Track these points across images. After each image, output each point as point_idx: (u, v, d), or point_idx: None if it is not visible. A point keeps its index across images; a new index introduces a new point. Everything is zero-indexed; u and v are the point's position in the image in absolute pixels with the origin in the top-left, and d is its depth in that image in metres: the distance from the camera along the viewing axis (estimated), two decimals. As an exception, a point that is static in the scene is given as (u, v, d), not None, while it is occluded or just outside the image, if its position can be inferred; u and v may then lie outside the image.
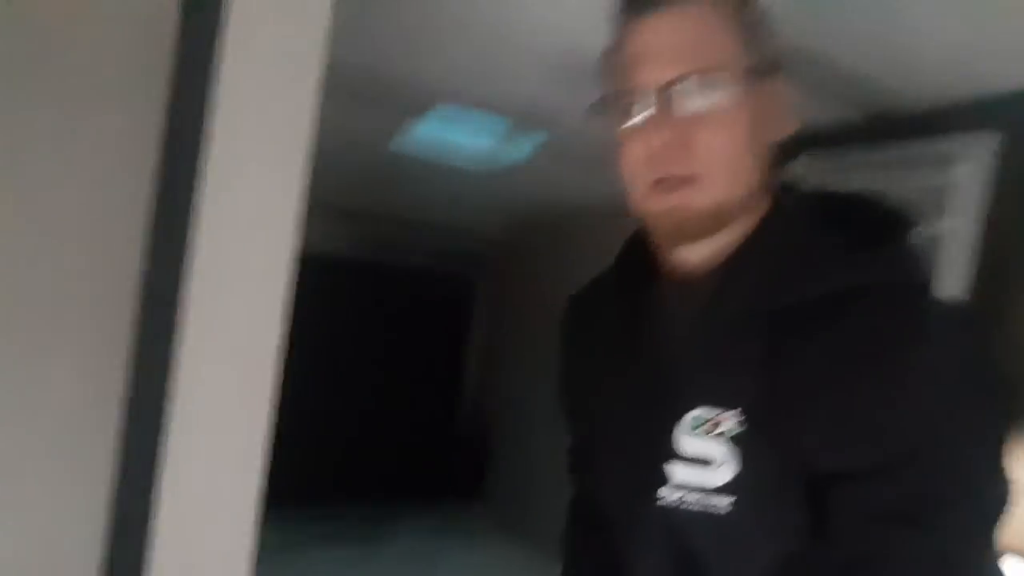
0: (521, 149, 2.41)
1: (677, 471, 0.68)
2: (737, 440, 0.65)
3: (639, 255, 0.79)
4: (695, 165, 0.65)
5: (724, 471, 0.65)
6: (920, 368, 0.60)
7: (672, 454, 0.68)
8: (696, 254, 0.71)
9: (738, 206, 0.68)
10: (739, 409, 0.65)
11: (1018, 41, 1.23)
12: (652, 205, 0.68)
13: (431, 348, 3.60)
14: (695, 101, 0.65)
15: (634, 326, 0.77)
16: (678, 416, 0.68)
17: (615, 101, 0.69)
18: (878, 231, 0.67)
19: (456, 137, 2.59)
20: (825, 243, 0.67)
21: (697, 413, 0.67)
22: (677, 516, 0.67)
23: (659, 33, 0.66)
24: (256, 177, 0.75)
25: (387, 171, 2.78)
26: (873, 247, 0.66)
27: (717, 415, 0.66)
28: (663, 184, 0.67)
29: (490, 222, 3.60)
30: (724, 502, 0.65)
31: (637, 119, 0.67)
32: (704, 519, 0.66)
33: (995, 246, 1.29)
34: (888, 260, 0.66)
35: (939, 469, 0.59)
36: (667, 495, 0.68)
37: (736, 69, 0.65)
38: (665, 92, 0.65)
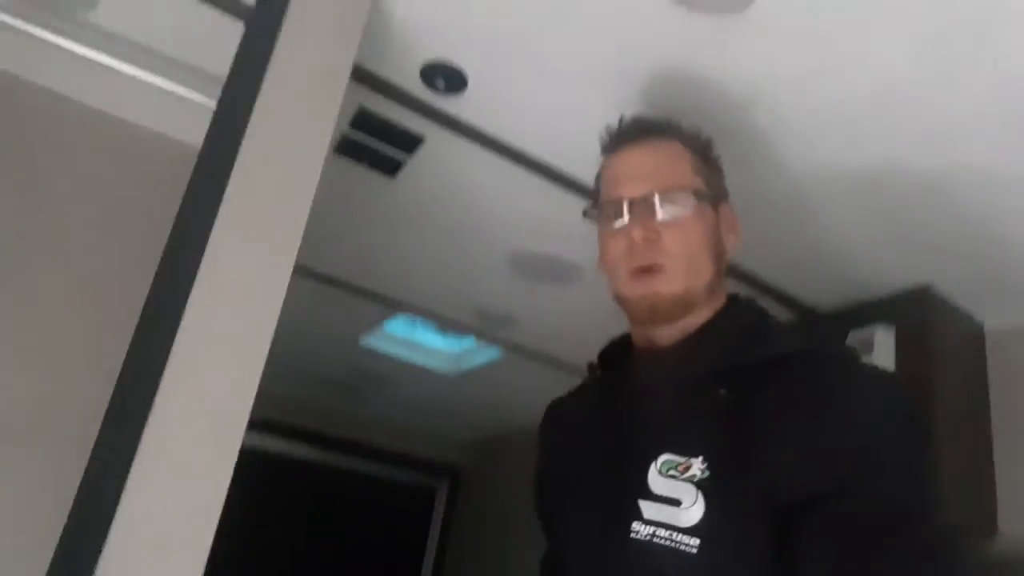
0: (486, 354, 2.56)
1: (648, 508, 0.76)
2: (701, 485, 0.74)
3: (616, 347, 0.96)
4: (662, 257, 0.85)
5: (692, 513, 0.73)
6: (861, 400, 0.73)
7: (645, 492, 0.77)
8: (666, 335, 0.87)
9: (699, 295, 0.86)
10: (701, 457, 0.75)
11: (902, 248, 1.49)
12: (631, 291, 0.87)
13: (387, 556, 3.45)
14: (660, 210, 0.86)
15: (610, 398, 0.92)
16: (650, 460, 0.78)
17: (602, 210, 0.92)
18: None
19: (423, 338, 2.77)
20: (773, 322, 0.86)
21: (667, 457, 0.77)
22: (649, 552, 0.74)
23: (632, 160, 0.92)
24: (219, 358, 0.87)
25: (355, 368, 2.89)
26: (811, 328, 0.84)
27: (685, 461, 0.76)
28: (640, 272, 0.86)
29: (454, 430, 3.66)
30: (693, 542, 0.72)
31: (618, 223, 0.88)
32: (675, 556, 0.72)
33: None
34: (824, 335, 0.83)
35: (889, 490, 0.69)
36: (640, 530, 0.75)
37: (690, 190, 0.88)
38: (638, 203, 0.87)
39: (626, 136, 0.95)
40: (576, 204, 1.48)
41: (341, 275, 2.06)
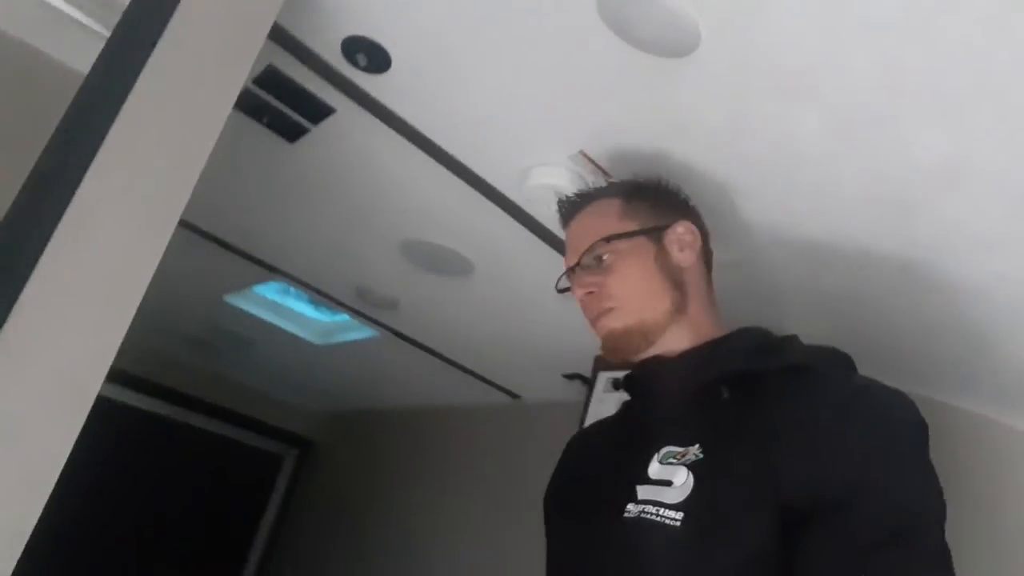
0: (360, 332, 2.49)
1: (642, 490, 0.81)
2: (694, 467, 0.78)
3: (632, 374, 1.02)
4: (608, 301, 0.95)
5: (680, 491, 0.77)
6: (869, 409, 0.76)
7: (643, 479, 0.82)
8: (660, 350, 0.94)
9: (660, 320, 0.93)
10: (698, 445, 0.79)
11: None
12: (598, 335, 0.98)
13: (226, 519, 3.31)
14: (595, 264, 0.97)
15: (625, 413, 1.02)
16: (653, 453, 0.83)
17: (568, 279, 1.04)
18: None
19: (294, 304, 2.66)
20: (783, 338, 0.90)
21: (668, 449, 0.82)
22: (637, 528, 0.79)
23: (570, 233, 1.07)
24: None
25: (217, 327, 2.73)
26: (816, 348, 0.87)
27: (683, 449, 0.80)
28: (594, 322, 0.98)
29: (312, 401, 3.54)
30: (677, 516, 0.75)
31: (571, 289, 1.01)
32: (659, 529, 0.76)
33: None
34: (830, 351, 0.87)
35: (894, 500, 0.70)
36: (631, 509, 0.81)
37: (614, 236, 0.97)
38: (577, 265, 0.99)
39: (566, 213, 1.09)
40: (483, 205, 1.46)
41: (219, 232, 1.92)
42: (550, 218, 1.46)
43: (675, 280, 0.97)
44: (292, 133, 1.41)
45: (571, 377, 2.24)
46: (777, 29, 0.82)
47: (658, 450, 0.84)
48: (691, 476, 0.78)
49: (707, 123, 1.04)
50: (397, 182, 1.50)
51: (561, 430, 2.27)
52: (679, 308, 0.95)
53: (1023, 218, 0.92)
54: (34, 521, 0.70)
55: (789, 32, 0.82)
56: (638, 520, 0.79)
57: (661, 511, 0.77)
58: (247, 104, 1.33)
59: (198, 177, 0.84)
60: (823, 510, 0.70)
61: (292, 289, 2.40)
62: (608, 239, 0.97)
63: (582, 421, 1.92)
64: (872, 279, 1.22)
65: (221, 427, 3.27)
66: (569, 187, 1.30)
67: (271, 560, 3.38)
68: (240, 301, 2.48)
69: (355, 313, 2.25)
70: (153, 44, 0.84)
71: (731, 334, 0.95)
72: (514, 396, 2.61)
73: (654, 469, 0.82)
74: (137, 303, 0.78)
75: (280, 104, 1.33)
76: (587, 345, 2.00)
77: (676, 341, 0.94)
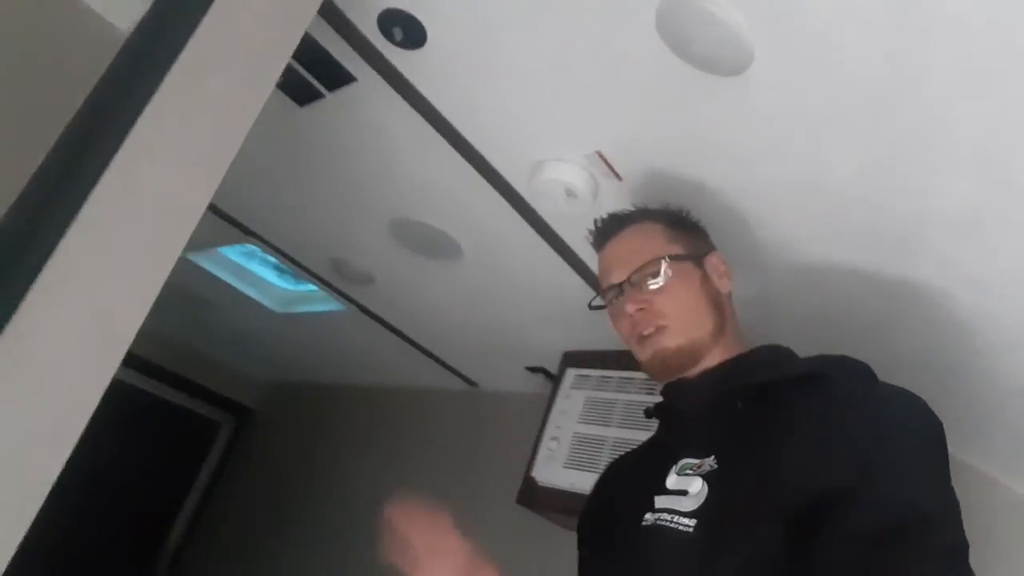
0: (327, 304, 2.45)
1: (660, 500, 0.86)
2: (709, 477, 0.81)
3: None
4: (660, 319, 0.98)
5: (695, 499, 0.81)
6: (876, 408, 0.78)
7: (661, 490, 0.87)
8: (701, 369, 0.97)
9: (704, 343, 0.97)
10: (713, 456, 0.83)
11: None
12: (643, 354, 1.00)
13: (158, 481, 3.20)
14: (644, 283, 1.00)
15: (655, 436, 1.07)
16: (671, 465, 0.88)
17: (604, 299, 1.07)
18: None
19: (257, 269, 2.59)
20: (794, 356, 0.94)
21: (685, 461, 0.86)
22: (653, 533, 0.83)
23: (614, 251, 1.08)
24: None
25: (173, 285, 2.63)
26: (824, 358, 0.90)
27: (700, 461, 0.84)
28: (644, 339, 0.98)
29: (259, 370, 3.46)
30: (691, 523, 0.79)
31: (616, 305, 1.03)
32: (673, 536, 0.80)
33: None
34: (845, 359, 0.88)
35: (902, 491, 0.69)
36: (649, 518, 0.85)
37: (665, 257, 1.00)
38: (625, 284, 1.01)
39: (604, 233, 1.10)
40: (487, 193, 1.46)
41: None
42: (552, 213, 1.49)
43: (716, 304, 1.02)
44: (304, 96, 1.39)
45: (534, 370, 2.27)
46: (836, 68, 0.86)
47: (676, 462, 0.88)
48: (705, 485, 0.82)
49: (736, 145, 1.08)
50: (402, 160, 1.49)
51: (517, 420, 2.32)
52: (720, 330, 0.99)
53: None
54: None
55: (848, 71, 0.86)
56: (654, 527, 0.83)
57: (675, 518, 0.81)
58: (264, 61, 1.30)
59: (236, 152, 0.83)
60: (828, 502, 0.70)
61: (259, 253, 2.35)
62: (666, 258, 1.01)
63: (546, 415, 1.95)
64: (877, 309, 1.29)
65: (158, 388, 3.16)
66: (580, 185, 1.33)
67: (197, 529, 3.30)
68: (203, 260, 2.40)
69: (325, 285, 2.22)
70: (203, 11, 0.82)
71: (751, 351, 1.00)
72: (471, 383, 2.62)
73: (672, 480, 0.87)
74: (163, 277, 0.76)
75: (299, 66, 1.30)
76: (555, 340, 2.05)
77: (711, 363, 0.98)
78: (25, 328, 0.67)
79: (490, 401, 2.60)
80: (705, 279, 1.03)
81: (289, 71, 1.32)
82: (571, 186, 1.34)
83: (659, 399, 1.07)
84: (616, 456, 1.19)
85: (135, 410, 3.12)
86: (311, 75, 1.32)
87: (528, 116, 1.24)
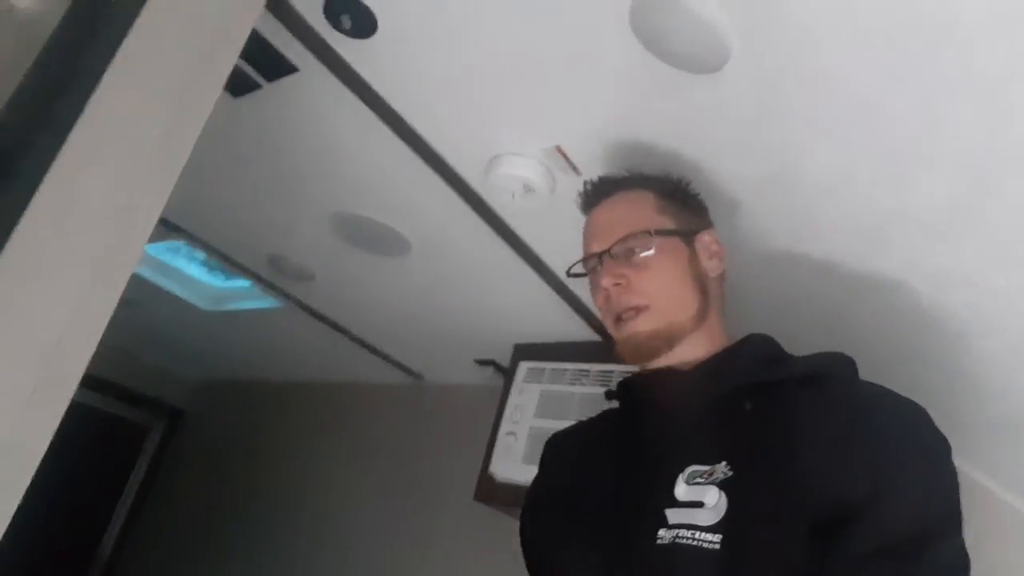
0: (261, 301, 2.33)
1: (673, 515, 0.77)
2: (724, 485, 0.75)
3: (627, 382, 0.98)
4: (637, 298, 0.91)
5: (714, 512, 0.74)
6: (888, 418, 0.76)
7: (671, 502, 0.78)
8: (675, 360, 0.90)
9: (684, 327, 0.90)
10: (725, 462, 0.76)
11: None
12: (617, 335, 0.93)
13: (84, 492, 3.00)
14: (625, 255, 0.93)
15: (626, 423, 0.95)
16: (677, 474, 0.79)
17: (584, 264, 1.00)
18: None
19: (182, 265, 2.44)
20: (786, 353, 0.90)
21: (693, 468, 0.78)
22: (673, 554, 0.75)
23: (599, 216, 1.00)
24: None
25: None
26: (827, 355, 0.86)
27: (710, 468, 0.77)
28: (619, 320, 0.92)
29: (187, 368, 3.29)
30: (716, 539, 0.72)
31: (593, 275, 0.97)
32: (697, 554, 0.72)
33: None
34: (838, 356, 0.85)
35: (914, 506, 0.69)
36: (664, 535, 0.76)
37: (651, 231, 0.93)
38: (605, 255, 0.94)
39: (593, 196, 1.04)
40: (440, 188, 1.40)
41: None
42: (507, 208, 1.44)
43: (702, 286, 0.94)
44: (240, 87, 1.28)
45: (484, 363, 2.23)
46: (816, 68, 0.84)
47: (682, 470, 0.80)
48: (723, 496, 0.75)
49: (705, 141, 1.05)
50: (347, 154, 1.41)
51: (467, 413, 2.27)
52: (702, 315, 0.92)
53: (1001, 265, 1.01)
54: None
55: (829, 72, 0.84)
56: (674, 547, 0.75)
57: (697, 534, 0.74)
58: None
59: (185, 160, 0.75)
60: (842, 519, 0.69)
61: (184, 248, 2.20)
62: (652, 232, 0.93)
63: (500, 410, 1.91)
64: (838, 300, 1.30)
65: (79, 393, 2.94)
66: (537, 181, 1.28)
67: (131, 537, 3.13)
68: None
69: (261, 282, 2.10)
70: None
71: (742, 341, 0.93)
72: (416, 376, 2.56)
73: (681, 491, 0.79)
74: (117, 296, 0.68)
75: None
76: (506, 333, 2.01)
77: (691, 350, 0.91)
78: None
79: (437, 394, 2.54)
80: (693, 258, 0.95)
81: (222, 60, 1.21)
82: (528, 181, 1.29)
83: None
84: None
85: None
86: (248, 65, 1.22)
87: (485, 108, 1.18)
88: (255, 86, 1.27)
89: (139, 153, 0.74)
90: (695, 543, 0.74)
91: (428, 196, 1.45)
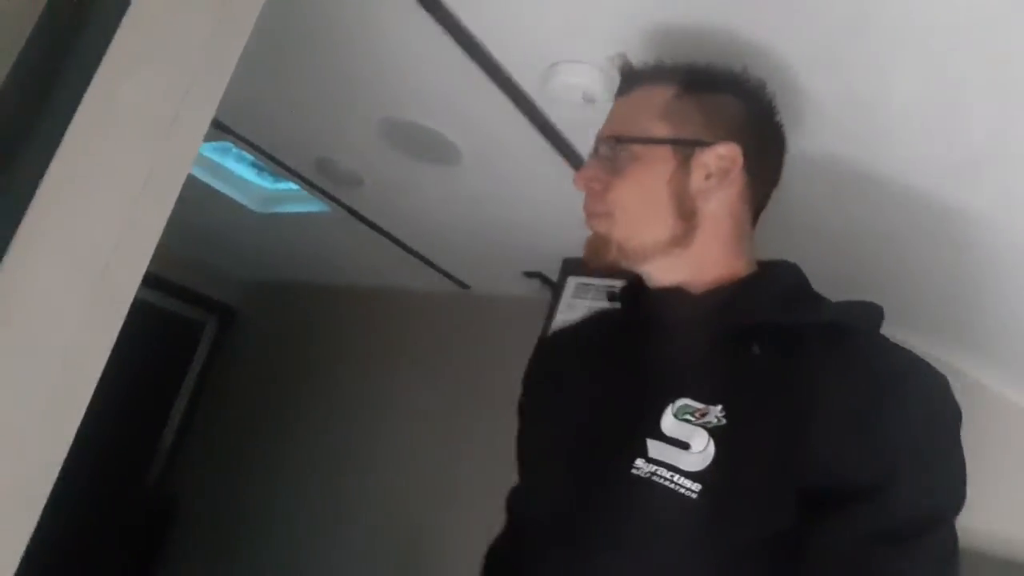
0: (310, 205, 2.32)
1: (655, 447, 0.73)
2: (715, 432, 0.70)
3: (632, 286, 0.92)
4: (603, 205, 0.85)
5: (700, 458, 0.70)
6: (912, 396, 0.71)
7: (655, 432, 0.74)
8: (671, 276, 0.85)
9: (657, 241, 0.83)
10: (721, 406, 0.72)
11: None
12: (588, 230, 0.87)
13: (142, 386, 3.13)
14: (606, 157, 0.86)
15: (626, 332, 0.89)
16: (667, 403, 0.74)
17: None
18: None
19: (233, 166, 2.43)
20: (813, 291, 0.83)
21: (685, 402, 0.73)
22: (646, 490, 0.71)
23: (615, 107, 0.93)
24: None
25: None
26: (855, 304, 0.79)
27: (703, 407, 0.72)
28: (588, 217, 0.87)
29: (240, 269, 3.34)
30: (694, 487, 0.69)
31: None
32: (671, 498, 0.69)
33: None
34: (867, 307, 0.78)
35: (926, 491, 0.67)
36: (641, 467, 0.72)
37: (640, 137, 0.85)
38: (598, 142, 0.88)
39: (619, 88, 0.94)
40: (495, 96, 1.32)
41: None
42: (565, 119, 1.37)
43: (684, 209, 0.83)
44: (287, -18, 1.21)
45: (532, 275, 2.20)
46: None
47: (672, 401, 0.74)
48: (712, 443, 0.70)
49: (794, 47, 0.95)
50: (397, 56, 1.33)
51: (514, 325, 2.27)
52: (677, 241, 0.82)
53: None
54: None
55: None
56: (649, 482, 0.71)
57: (676, 477, 0.70)
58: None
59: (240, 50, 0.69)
60: (849, 496, 0.66)
61: (234, 149, 2.18)
62: (621, 139, 0.85)
63: (547, 324, 1.90)
64: (908, 221, 1.21)
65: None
66: (598, 91, 1.20)
67: (188, 432, 3.29)
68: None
69: (309, 185, 2.08)
70: None
71: (763, 271, 0.85)
72: (464, 286, 2.55)
73: (668, 424, 0.73)
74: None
75: (280, -54, 1.12)
76: (555, 246, 1.97)
77: (665, 273, 0.84)
78: (15, 281, 0.57)
79: (483, 304, 2.54)
80: (678, 175, 0.83)
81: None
82: (589, 91, 1.21)
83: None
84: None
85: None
86: (295, -42, 1.14)
87: (545, 11, 1.10)
88: (303, -19, 1.20)
89: (187, 56, 0.70)
90: (672, 486, 0.70)
91: (481, 103, 1.38)
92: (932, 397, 0.72)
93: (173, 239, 3.04)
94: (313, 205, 2.29)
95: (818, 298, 0.82)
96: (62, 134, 0.59)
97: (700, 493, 0.68)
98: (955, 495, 0.70)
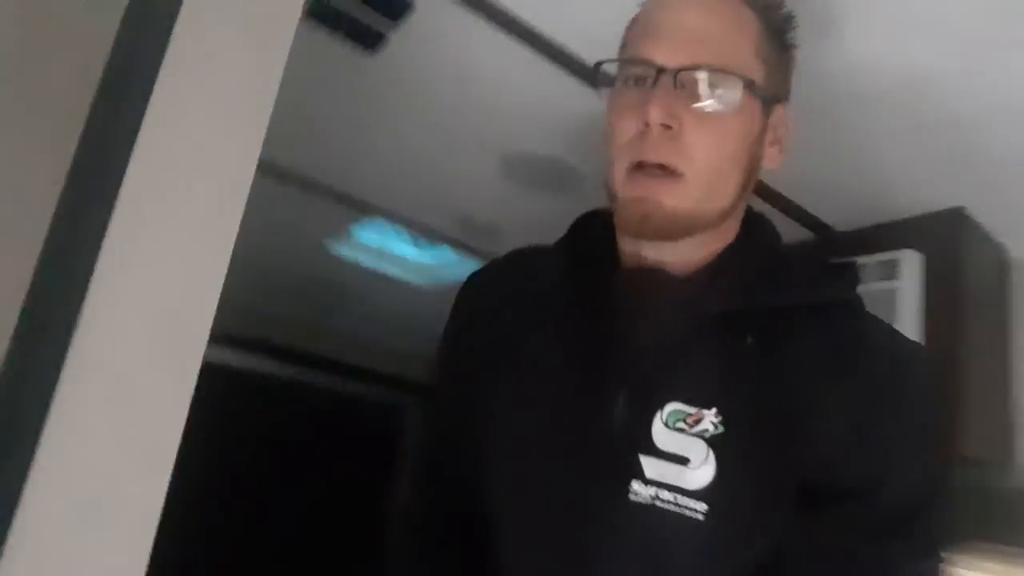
0: (466, 267, 2.38)
1: (651, 466, 0.64)
2: (714, 442, 0.63)
3: (596, 243, 0.77)
4: (680, 161, 0.65)
5: (701, 474, 0.63)
6: (909, 390, 0.67)
7: (648, 447, 0.65)
8: (668, 254, 0.70)
9: (711, 218, 0.69)
10: (715, 409, 0.64)
11: (936, 166, 1.34)
12: (626, 190, 0.67)
13: (353, 476, 3.30)
14: (700, 94, 0.65)
15: (590, 307, 0.72)
16: (655, 409, 0.65)
17: (621, 72, 0.69)
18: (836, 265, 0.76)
19: (395, 247, 2.57)
20: (801, 261, 0.74)
21: (675, 407, 0.65)
22: (650, 518, 0.63)
23: (687, 12, 0.67)
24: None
25: (319, 277, 2.69)
26: (839, 271, 0.73)
27: (696, 412, 0.64)
28: (644, 169, 0.66)
29: (424, 345, 3.47)
30: (700, 508, 0.62)
31: (638, 93, 0.66)
32: (678, 523, 0.62)
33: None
34: (847, 274, 0.73)
35: (919, 486, 0.65)
36: (640, 491, 0.64)
37: (743, 77, 0.66)
38: (675, 74, 0.64)
39: None
40: (584, 96, 1.27)
41: (301, 169, 1.82)
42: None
43: (748, 179, 0.71)
44: (371, 40, 1.26)
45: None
46: None
47: (660, 407, 0.65)
48: (712, 455, 0.63)
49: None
50: (490, 80, 1.34)
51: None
52: (725, 216, 0.70)
53: None
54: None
55: None
56: (652, 509, 0.62)
57: (681, 499, 0.62)
58: (319, 10, 1.19)
59: (274, 98, 0.70)
60: (842, 493, 0.64)
61: (391, 230, 2.31)
62: (751, 82, 0.66)
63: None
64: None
65: (331, 381, 3.22)
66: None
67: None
68: (341, 248, 2.41)
69: (455, 244, 2.13)
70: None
71: (741, 243, 0.73)
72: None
73: (660, 435, 0.64)
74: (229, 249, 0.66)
75: (354, 4, 1.18)
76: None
77: (695, 250, 0.71)
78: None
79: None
80: (761, 137, 0.70)
81: (344, 15, 1.20)
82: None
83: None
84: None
85: (309, 408, 3.12)
86: (368, 9, 1.19)
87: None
88: (382, 35, 1.25)
89: (226, 98, 0.72)
90: (677, 510, 0.62)
91: (579, 109, 1.33)
92: (925, 391, 0.70)
93: (363, 327, 3.20)
94: (470, 267, 2.33)
95: (794, 269, 0.74)
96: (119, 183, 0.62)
97: (707, 514, 0.62)
98: (940, 481, 0.70)
